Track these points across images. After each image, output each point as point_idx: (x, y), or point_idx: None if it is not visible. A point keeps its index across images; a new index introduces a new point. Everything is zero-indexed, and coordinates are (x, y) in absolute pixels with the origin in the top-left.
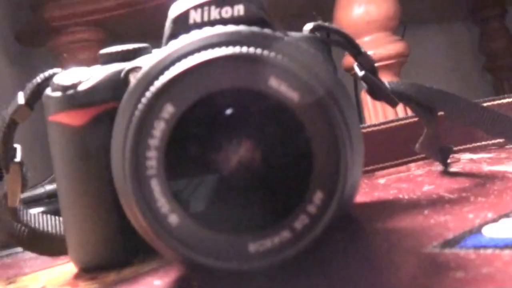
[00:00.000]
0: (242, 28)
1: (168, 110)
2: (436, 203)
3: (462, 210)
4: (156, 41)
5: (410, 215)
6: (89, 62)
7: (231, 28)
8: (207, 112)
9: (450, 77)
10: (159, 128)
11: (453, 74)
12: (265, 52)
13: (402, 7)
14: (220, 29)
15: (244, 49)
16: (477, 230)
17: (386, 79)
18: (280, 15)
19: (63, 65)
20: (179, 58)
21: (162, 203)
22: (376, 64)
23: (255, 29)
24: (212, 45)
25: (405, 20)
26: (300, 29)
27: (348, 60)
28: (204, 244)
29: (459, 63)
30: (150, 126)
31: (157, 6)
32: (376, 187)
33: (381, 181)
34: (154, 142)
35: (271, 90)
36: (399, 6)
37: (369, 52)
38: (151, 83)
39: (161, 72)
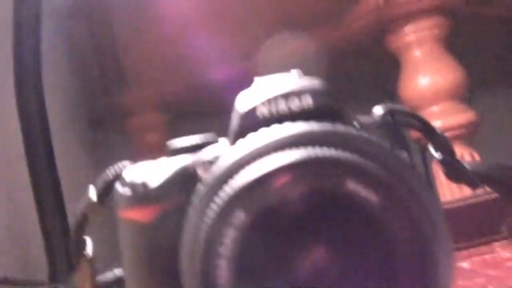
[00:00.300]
0: (313, 126)
1: (239, 217)
2: None
3: None
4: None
5: None
6: (157, 146)
7: (301, 127)
8: (281, 217)
9: None
10: (230, 236)
11: None
12: (340, 153)
13: (469, 74)
14: (290, 128)
15: (318, 151)
16: None
17: (458, 150)
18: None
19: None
20: (249, 162)
21: None
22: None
23: (326, 126)
24: (283, 147)
25: (472, 87)
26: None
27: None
28: None
29: None
30: (220, 234)
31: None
32: (460, 273)
33: (465, 264)
34: (224, 250)
35: (349, 193)
36: (465, 74)
37: (437, 123)
38: (221, 188)
39: (231, 176)
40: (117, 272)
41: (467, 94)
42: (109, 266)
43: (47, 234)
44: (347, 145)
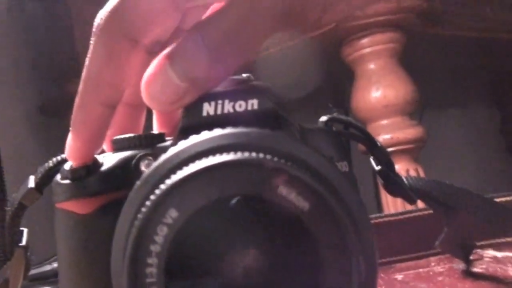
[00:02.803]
0: (252, 131)
1: (172, 215)
2: None
3: None
4: None
5: None
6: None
7: (240, 131)
8: (213, 216)
9: (470, 161)
10: (161, 234)
11: (474, 158)
12: (275, 159)
13: (420, 91)
14: (229, 132)
15: (253, 155)
16: None
17: (404, 164)
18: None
19: None
20: (186, 162)
21: None
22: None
23: (265, 132)
24: (220, 150)
25: (424, 104)
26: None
27: None
28: None
29: (479, 145)
30: (152, 232)
31: None
32: (393, 284)
33: (399, 276)
34: (155, 248)
35: (280, 198)
36: (417, 90)
37: (386, 136)
38: (156, 186)
39: (167, 175)
40: (55, 264)
41: (418, 111)
42: (47, 258)
43: None
44: (283, 153)
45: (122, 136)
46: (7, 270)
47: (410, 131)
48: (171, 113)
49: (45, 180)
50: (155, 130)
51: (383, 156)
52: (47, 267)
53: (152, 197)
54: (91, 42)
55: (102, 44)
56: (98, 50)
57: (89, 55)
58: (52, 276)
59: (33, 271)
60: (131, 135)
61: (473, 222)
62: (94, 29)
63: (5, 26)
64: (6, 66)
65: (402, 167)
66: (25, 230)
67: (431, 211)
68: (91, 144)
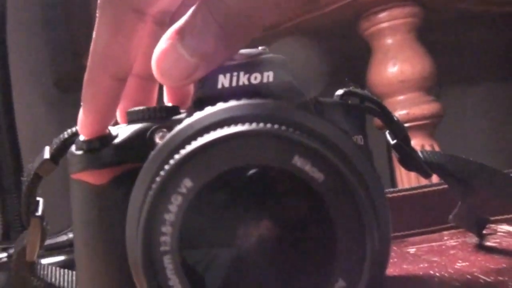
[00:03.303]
0: (267, 102)
1: (186, 185)
2: (470, 286)
3: None
4: None
5: None
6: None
7: (256, 102)
8: (228, 186)
9: (487, 137)
10: (176, 203)
11: (491, 134)
12: (290, 130)
13: (438, 66)
14: (245, 103)
15: (268, 126)
16: None
17: (420, 140)
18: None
19: None
20: (200, 133)
21: (174, 282)
22: (409, 124)
23: (281, 104)
24: (235, 120)
25: (441, 80)
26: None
27: None
28: None
29: (497, 123)
30: (167, 201)
31: None
32: (405, 257)
33: (411, 250)
34: (170, 217)
35: (295, 169)
36: (435, 65)
37: (403, 112)
38: (170, 156)
39: (182, 145)
40: (70, 234)
41: (436, 87)
42: (63, 229)
43: (2, 192)
44: (298, 124)
45: (136, 108)
46: (24, 239)
47: (426, 107)
48: (182, 87)
49: (60, 151)
50: (166, 103)
51: (399, 130)
52: (63, 237)
53: (167, 166)
54: (97, 14)
55: (107, 17)
56: (104, 23)
57: (95, 28)
58: (67, 246)
59: (49, 241)
60: (145, 107)
61: (488, 196)
62: (98, 2)
63: (21, 1)
64: (22, 41)
65: (417, 143)
66: (41, 200)
67: (444, 186)
68: (102, 117)
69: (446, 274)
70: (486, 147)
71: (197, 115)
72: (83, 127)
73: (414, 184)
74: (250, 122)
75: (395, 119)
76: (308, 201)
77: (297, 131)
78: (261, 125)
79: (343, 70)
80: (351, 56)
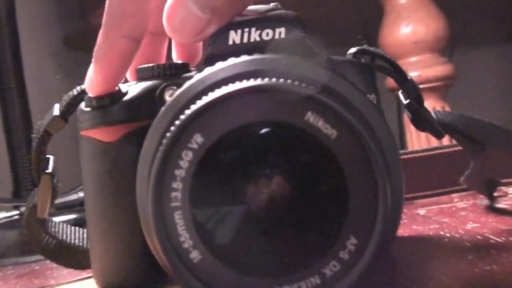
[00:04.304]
0: (280, 57)
1: (197, 140)
2: (481, 247)
3: (509, 259)
4: None
5: (452, 259)
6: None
7: (267, 57)
8: (239, 142)
9: (500, 101)
10: (186, 159)
11: (505, 96)
12: (303, 85)
13: (452, 27)
14: (256, 58)
15: (281, 81)
16: None
17: (432, 102)
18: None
19: None
20: (211, 88)
21: (185, 237)
22: (422, 86)
23: (294, 59)
24: (246, 75)
25: (454, 41)
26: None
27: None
28: (225, 285)
29: (510, 87)
30: (177, 156)
31: None
32: (415, 218)
33: (421, 211)
34: (180, 172)
35: (307, 126)
36: (448, 26)
37: (415, 74)
38: (181, 111)
39: (192, 101)
40: (81, 193)
41: (449, 48)
42: (74, 188)
43: (12, 150)
44: (311, 79)
45: (146, 66)
46: (34, 196)
47: (439, 69)
48: (194, 43)
49: (70, 108)
50: (175, 60)
51: (413, 89)
52: (74, 196)
53: (177, 122)
54: None
55: None
56: None
57: None
58: (78, 204)
59: (60, 200)
60: (155, 64)
61: (500, 157)
62: None
63: None
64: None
65: (429, 105)
66: (51, 158)
67: (454, 149)
68: (113, 77)
69: (456, 235)
70: (499, 109)
71: (208, 70)
72: (92, 84)
73: (424, 146)
74: (262, 77)
75: (408, 77)
76: (320, 158)
77: (310, 86)
78: (274, 80)
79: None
80: (362, 16)
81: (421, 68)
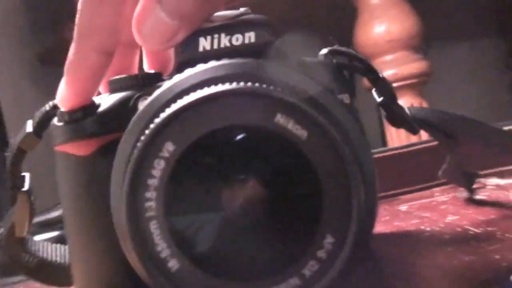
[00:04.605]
0: (248, 61)
1: (168, 148)
2: (460, 238)
3: (488, 249)
4: None
5: (432, 252)
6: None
7: (236, 62)
8: (211, 148)
9: (476, 95)
10: (159, 168)
11: (480, 91)
12: (271, 88)
13: (425, 24)
14: (224, 63)
15: (249, 84)
16: (505, 276)
17: (409, 99)
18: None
19: None
20: (180, 95)
21: (162, 247)
22: (398, 84)
23: (263, 63)
24: (215, 81)
25: (429, 38)
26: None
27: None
28: None
29: (486, 80)
30: (149, 166)
31: None
32: (397, 215)
33: (403, 207)
34: (153, 182)
35: (278, 127)
36: (422, 24)
37: (390, 72)
38: (150, 120)
39: (162, 109)
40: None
41: (424, 45)
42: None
43: None
44: (279, 81)
45: (119, 77)
46: (11, 215)
47: (414, 66)
48: (162, 52)
49: (43, 124)
50: (146, 69)
51: (386, 88)
52: (55, 213)
53: (147, 131)
54: None
55: None
56: None
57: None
58: (59, 222)
59: (41, 217)
60: (128, 75)
61: (475, 149)
62: None
63: None
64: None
65: (406, 102)
66: (27, 175)
67: (433, 144)
68: (83, 91)
69: (436, 228)
70: (475, 103)
71: (177, 78)
72: (63, 99)
73: (404, 143)
74: (230, 82)
75: (381, 76)
76: (293, 159)
77: (278, 88)
78: (242, 84)
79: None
80: (335, 16)
81: (396, 66)
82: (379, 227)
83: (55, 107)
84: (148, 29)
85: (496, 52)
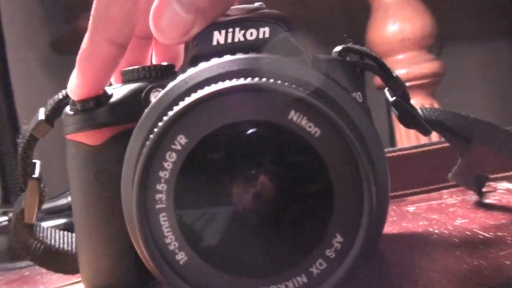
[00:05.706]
0: (263, 56)
1: (181, 141)
2: (469, 242)
3: (497, 254)
4: None
5: (440, 255)
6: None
7: (250, 57)
8: (223, 143)
9: (489, 96)
10: (170, 160)
11: (493, 93)
12: (286, 84)
13: (438, 23)
14: (239, 58)
15: (264, 80)
16: None
17: (420, 99)
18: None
19: None
20: (194, 88)
21: (171, 239)
22: (409, 84)
23: (277, 58)
24: (229, 75)
25: (442, 37)
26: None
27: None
28: (212, 286)
29: (499, 81)
30: (161, 158)
31: None
32: (404, 216)
33: (411, 208)
34: (165, 174)
35: (291, 124)
36: (435, 23)
37: (402, 71)
38: (164, 113)
39: (175, 102)
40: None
41: (437, 45)
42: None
43: (0, 155)
44: (294, 78)
45: (131, 68)
46: (22, 201)
47: (426, 66)
48: (180, 44)
49: (55, 112)
50: (155, 63)
51: (399, 87)
52: (63, 201)
53: (160, 123)
54: None
55: None
56: None
57: None
58: (67, 209)
59: (49, 205)
60: (141, 66)
61: (487, 153)
62: None
63: None
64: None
65: (417, 102)
66: (38, 162)
67: (443, 145)
68: (94, 82)
69: (445, 231)
70: (487, 105)
71: (191, 71)
72: (74, 88)
73: (413, 144)
74: (245, 77)
75: (394, 75)
76: (305, 156)
77: (293, 85)
78: (256, 79)
79: (342, 29)
80: (349, 15)
81: (408, 66)
82: (387, 228)
83: (67, 96)
84: (164, 23)
85: (509, 53)
